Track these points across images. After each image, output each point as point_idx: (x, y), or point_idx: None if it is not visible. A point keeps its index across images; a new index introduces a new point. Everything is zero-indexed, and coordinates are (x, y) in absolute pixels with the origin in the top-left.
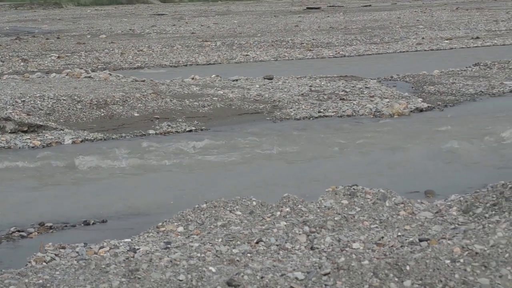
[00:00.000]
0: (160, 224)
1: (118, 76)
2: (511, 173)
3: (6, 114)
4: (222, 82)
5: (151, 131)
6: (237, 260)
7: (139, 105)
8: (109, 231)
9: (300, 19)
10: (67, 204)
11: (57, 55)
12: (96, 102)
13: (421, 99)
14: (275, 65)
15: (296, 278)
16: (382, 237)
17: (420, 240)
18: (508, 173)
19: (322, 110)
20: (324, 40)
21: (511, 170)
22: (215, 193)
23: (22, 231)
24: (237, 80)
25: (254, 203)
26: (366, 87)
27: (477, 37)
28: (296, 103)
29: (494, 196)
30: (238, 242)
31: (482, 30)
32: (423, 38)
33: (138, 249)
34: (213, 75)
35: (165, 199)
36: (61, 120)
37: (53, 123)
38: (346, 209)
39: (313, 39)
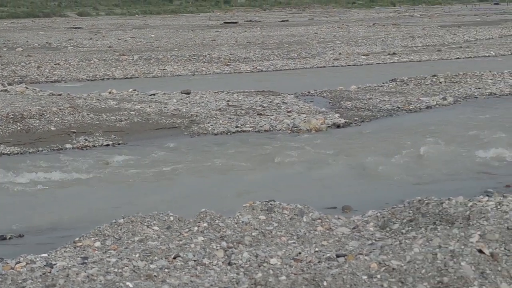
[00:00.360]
0: (77, 239)
1: (35, 89)
2: (428, 189)
3: None
4: (140, 96)
5: (68, 145)
6: (155, 276)
7: (56, 119)
8: (26, 246)
9: (217, 33)
10: None
11: None
12: (12, 116)
13: (338, 115)
14: (192, 79)
15: None
16: (300, 253)
17: (337, 256)
18: (425, 189)
19: (239, 125)
20: (241, 54)
21: (428, 186)
22: (133, 208)
23: None
24: (154, 94)
25: (172, 218)
26: (284, 102)
27: (394, 53)
28: (214, 118)
29: (411, 212)
30: (156, 258)
31: (399, 46)
32: (340, 53)
33: (55, 264)
34: (131, 89)
35: (82, 213)
36: None
37: None
38: (263, 224)
39: (230, 54)
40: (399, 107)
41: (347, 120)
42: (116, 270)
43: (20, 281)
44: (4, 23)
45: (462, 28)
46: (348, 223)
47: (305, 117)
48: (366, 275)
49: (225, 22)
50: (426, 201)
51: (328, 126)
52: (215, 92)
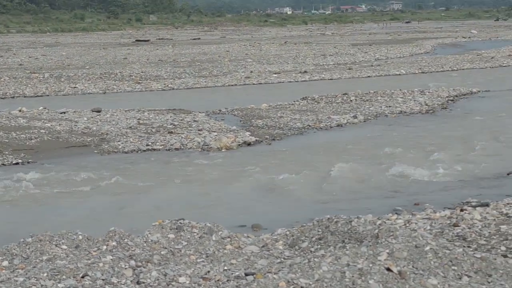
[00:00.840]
0: None
1: None
2: (337, 207)
3: None
4: (50, 114)
5: None
6: None
7: None
8: None
9: (129, 51)
10: None
11: None
12: None
13: (249, 133)
14: (103, 97)
15: None
16: (208, 271)
17: (246, 274)
18: (334, 207)
19: (150, 143)
20: (153, 72)
21: (337, 204)
22: (41, 227)
23: None
24: (65, 112)
25: (80, 237)
26: (195, 120)
27: (305, 71)
28: (124, 136)
29: (320, 230)
30: (64, 277)
31: (310, 64)
32: (251, 71)
33: None
34: (41, 107)
35: None
36: None
37: None
38: (172, 243)
39: (142, 72)
40: (309, 125)
41: (258, 139)
42: None
43: None
44: None
45: (373, 46)
46: (257, 241)
47: (216, 135)
48: None
49: (137, 40)
50: (335, 220)
51: (239, 145)
52: (126, 110)
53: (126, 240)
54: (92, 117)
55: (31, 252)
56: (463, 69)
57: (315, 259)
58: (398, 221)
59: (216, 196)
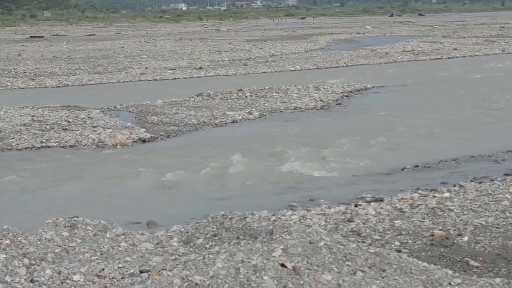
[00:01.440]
0: None
1: None
2: (232, 204)
3: None
4: None
5: None
6: None
7: None
8: None
9: (23, 47)
10: None
11: None
12: None
13: (144, 129)
14: None
15: None
16: (103, 269)
17: (141, 272)
18: (229, 203)
19: (44, 141)
20: (47, 69)
21: (233, 200)
22: None
23: None
24: None
25: None
26: (89, 117)
27: (200, 67)
28: (18, 133)
29: (215, 226)
30: None
31: (206, 60)
32: (146, 68)
33: None
34: None
35: None
36: None
37: None
38: (67, 241)
39: (36, 68)
40: (205, 122)
41: (153, 135)
42: None
43: None
44: None
45: (269, 42)
46: (152, 238)
47: (110, 132)
48: None
49: (31, 36)
50: (229, 216)
51: (134, 141)
52: (19, 107)
53: (19, 238)
54: None
55: None
56: (357, 65)
57: (210, 256)
58: (293, 217)
59: (111, 193)
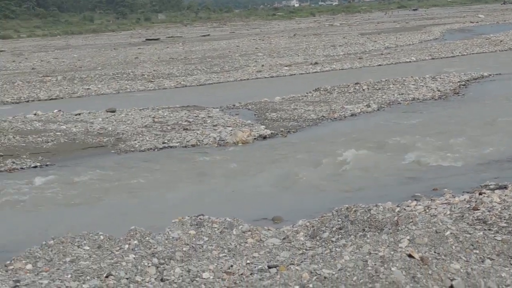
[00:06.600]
0: (8, 262)
1: None
2: (356, 196)
3: None
4: (65, 116)
5: None
6: None
7: None
8: None
9: (140, 50)
10: None
11: None
12: None
13: (264, 126)
14: (117, 97)
15: None
16: (231, 266)
17: (269, 267)
18: (352, 196)
19: (166, 141)
20: (164, 71)
21: (356, 193)
22: (62, 228)
23: None
24: (79, 114)
25: (102, 237)
26: (209, 116)
27: (316, 63)
28: (140, 135)
29: (340, 220)
30: (88, 277)
31: (321, 55)
32: (262, 65)
33: None
34: (56, 110)
35: (12, 236)
36: None
37: None
38: (194, 239)
39: (154, 70)
40: (324, 116)
41: (273, 131)
42: None
43: None
44: None
45: (382, 35)
46: (278, 233)
47: (231, 130)
48: (298, 285)
49: (147, 39)
50: (354, 209)
51: (255, 138)
52: (140, 109)
53: (147, 238)
54: (107, 118)
55: (54, 254)
56: (472, 53)
57: (337, 249)
58: (418, 207)
59: (235, 190)
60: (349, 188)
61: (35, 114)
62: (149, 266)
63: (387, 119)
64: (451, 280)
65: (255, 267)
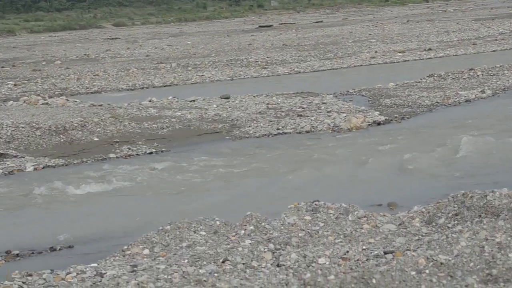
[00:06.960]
0: (126, 247)
1: (76, 101)
2: (471, 183)
3: None
4: (180, 103)
5: (111, 155)
6: (204, 281)
7: (98, 129)
8: (75, 256)
9: (253, 37)
10: (33, 231)
11: (13, 83)
12: (55, 128)
13: (378, 112)
14: (231, 84)
15: None
16: (347, 251)
17: (385, 253)
18: (468, 182)
19: (280, 127)
20: (278, 57)
21: (470, 179)
22: (179, 214)
23: None
24: (194, 100)
25: (218, 222)
26: (323, 103)
27: (430, 49)
28: (254, 121)
29: (456, 206)
30: (204, 262)
31: (434, 41)
32: (376, 51)
33: (105, 273)
34: (170, 97)
35: (129, 222)
36: (21, 148)
37: (13, 151)
38: (309, 225)
39: (267, 57)
40: (438, 102)
41: (387, 118)
42: (165, 276)
43: None
44: (42, 37)
45: (496, 20)
46: (394, 219)
47: (345, 116)
48: (414, 270)
49: (260, 26)
50: (470, 195)
51: (369, 124)
52: (254, 96)
53: (263, 224)
54: (221, 104)
55: (171, 240)
56: None
57: (453, 235)
58: None
59: (349, 176)
60: (464, 174)
61: (150, 101)
62: (265, 252)
63: (502, 105)
64: None
65: (371, 252)
